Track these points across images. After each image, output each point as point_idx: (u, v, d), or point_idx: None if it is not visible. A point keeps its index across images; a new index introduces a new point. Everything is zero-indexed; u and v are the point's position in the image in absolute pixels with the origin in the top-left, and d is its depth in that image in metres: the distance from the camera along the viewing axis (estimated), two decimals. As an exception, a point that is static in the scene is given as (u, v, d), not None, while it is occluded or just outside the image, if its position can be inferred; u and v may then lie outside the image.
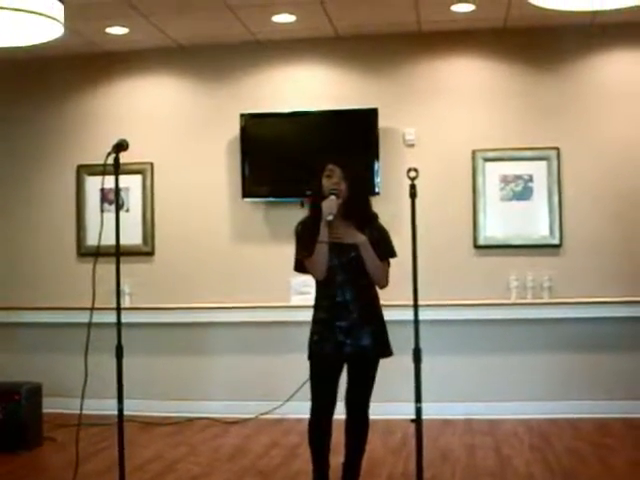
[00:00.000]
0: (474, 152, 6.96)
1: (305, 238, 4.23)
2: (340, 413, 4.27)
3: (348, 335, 4.17)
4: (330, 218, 4.09)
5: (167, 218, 7.32)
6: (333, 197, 4.13)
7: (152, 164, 7.32)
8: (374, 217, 4.34)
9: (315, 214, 4.20)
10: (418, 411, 3.99)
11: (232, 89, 7.27)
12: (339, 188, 4.16)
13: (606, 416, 6.55)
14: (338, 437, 4.32)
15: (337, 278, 4.20)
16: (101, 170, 4.06)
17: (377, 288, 4.32)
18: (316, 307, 4.31)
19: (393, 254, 4.32)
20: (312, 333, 4.28)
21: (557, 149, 6.86)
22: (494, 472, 5.18)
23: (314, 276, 4.26)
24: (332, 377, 4.23)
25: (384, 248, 4.26)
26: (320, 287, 4.29)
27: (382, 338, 4.27)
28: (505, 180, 6.95)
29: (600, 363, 6.72)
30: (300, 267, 4.33)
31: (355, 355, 4.19)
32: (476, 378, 6.84)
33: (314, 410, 4.24)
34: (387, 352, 4.30)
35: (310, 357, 4.27)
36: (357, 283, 4.21)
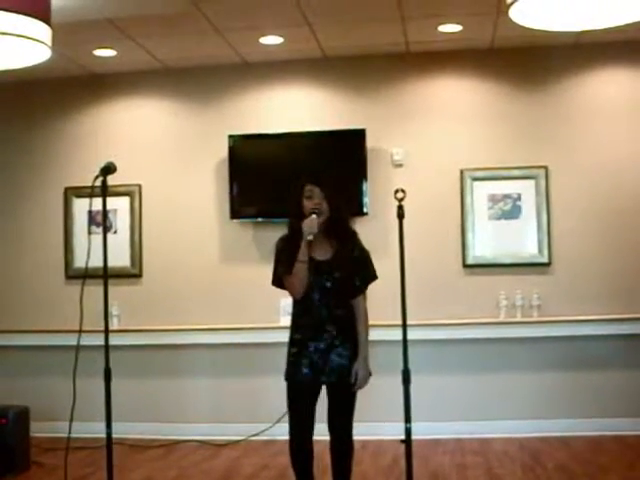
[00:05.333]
0: (462, 171, 6.97)
1: (284, 255, 4.21)
2: (326, 434, 4.24)
3: (325, 356, 4.13)
4: (310, 238, 4.07)
5: (155, 240, 7.30)
6: (314, 216, 4.11)
7: (140, 186, 7.30)
8: (354, 234, 4.32)
9: (295, 234, 4.18)
10: (408, 431, 3.98)
11: (220, 110, 7.28)
12: (321, 209, 4.15)
13: (597, 434, 6.53)
14: (327, 459, 4.28)
15: (315, 297, 4.15)
16: (89, 192, 4.05)
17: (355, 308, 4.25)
18: (293, 327, 4.26)
19: (374, 277, 4.29)
20: (289, 354, 4.23)
21: (545, 168, 6.89)
22: (485, 492, 5.17)
23: (292, 294, 4.22)
24: (309, 399, 4.16)
25: (364, 274, 4.24)
26: (297, 306, 4.24)
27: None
28: (493, 199, 6.96)
29: (591, 381, 6.71)
30: (278, 282, 4.30)
31: (333, 377, 4.15)
32: (466, 397, 6.82)
33: (292, 432, 4.19)
34: None
35: (286, 379, 4.23)
36: (335, 303, 4.16)
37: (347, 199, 4.40)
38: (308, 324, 4.17)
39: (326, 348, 4.13)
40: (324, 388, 4.20)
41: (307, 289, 4.15)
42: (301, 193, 4.20)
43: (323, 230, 4.15)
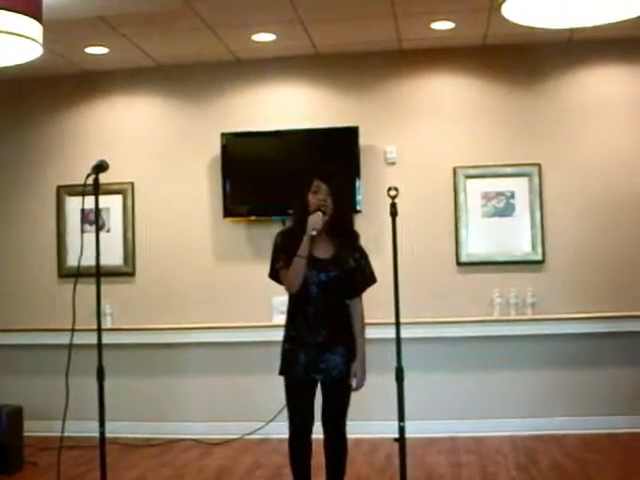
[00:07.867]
0: (455, 169, 6.96)
1: (284, 249, 4.21)
2: (320, 433, 4.23)
3: (320, 354, 4.13)
4: (314, 233, 4.08)
5: (148, 238, 7.27)
6: (320, 213, 4.12)
7: (133, 184, 7.28)
8: (356, 236, 4.33)
9: (298, 228, 4.18)
10: (401, 430, 3.98)
11: (213, 108, 7.26)
12: (326, 205, 4.15)
13: (591, 432, 6.54)
14: (320, 457, 4.28)
15: (312, 295, 4.16)
16: (81, 191, 4.03)
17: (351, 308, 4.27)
18: (288, 323, 4.26)
19: (373, 280, 4.30)
20: (283, 349, 4.24)
21: (538, 165, 6.88)
22: (479, 490, 5.16)
23: (287, 288, 4.23)
24: (306, 394, 4.17)
25: (362, 279, 4.25)
26: (294, 303, 4.24)
27: (354, 357, 4.21)
28: (487, 197, 6.96)
29: (584, 379, 6.71)
30: (275, 275, 4.30)
31: (328, 375, 4.16)
32: (460, 395, 6.82)
33: (292, 426, 4.20)
34: None
35: (282, 373, 4.23)
36: (332, 301, 4.17)
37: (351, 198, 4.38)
38: (304, 321, 4.17)
39: (321, 346, 4.13)
40: (319, 385, 4.21)
41: (304, 286, 4.15)
42: (308, 188, 4.20)
43: (327, 229, 4.16)
